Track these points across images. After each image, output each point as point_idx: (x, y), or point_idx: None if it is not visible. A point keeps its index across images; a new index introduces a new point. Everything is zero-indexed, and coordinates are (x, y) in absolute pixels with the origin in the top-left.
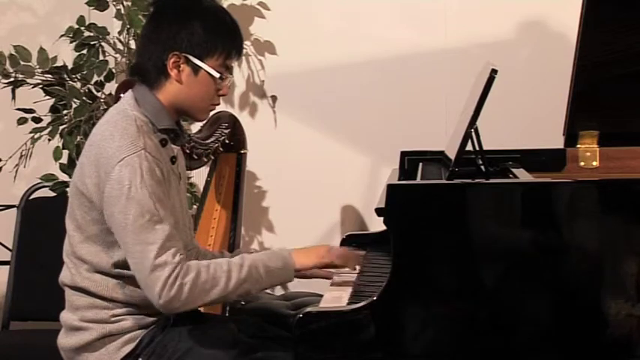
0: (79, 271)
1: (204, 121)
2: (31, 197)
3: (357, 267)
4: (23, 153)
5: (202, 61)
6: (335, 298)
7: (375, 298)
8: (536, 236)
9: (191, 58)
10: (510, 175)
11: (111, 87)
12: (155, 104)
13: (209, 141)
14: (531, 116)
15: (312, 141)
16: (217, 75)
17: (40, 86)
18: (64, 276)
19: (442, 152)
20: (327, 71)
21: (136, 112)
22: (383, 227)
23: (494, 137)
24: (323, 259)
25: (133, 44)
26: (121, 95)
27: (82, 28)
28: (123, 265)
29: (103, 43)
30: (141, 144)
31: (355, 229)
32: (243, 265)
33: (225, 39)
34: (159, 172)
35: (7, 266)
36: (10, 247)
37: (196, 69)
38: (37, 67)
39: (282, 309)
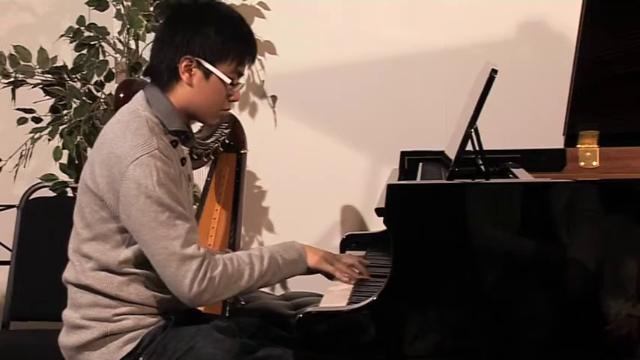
0: (83, 268)
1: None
2: (31, 197)
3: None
4: (23, 153)
5: (214, 66)
6: (335, 298)
7: (375, 298)
8: (536, 236)
9: (203, 62)
10: (510, 175)
11: (111, 87)
12: (167, 106)
13: (209, 141)
14: (531, 116)
15: (312, 141)
16: (228, 81)
17: (40, 86)
18: (69, 273)
19: (442, 152)
20: (327, 71)
21: (148, 112)
22: (383, 227)
23: (495, 137)
24: (328, 268)
25: (133, 44)
26: (121, 95)
27: (82, 28)
28: (130, 263)
29: (103, 43)
30: (154, 144)
31: (355, 229)
32: (263, 257)
33: (239, 45)
34: (172, 171)
35: (7, 266)
36: (10, 247)
37: (208, 73)
38: (37, 67)
39: (282, 309)
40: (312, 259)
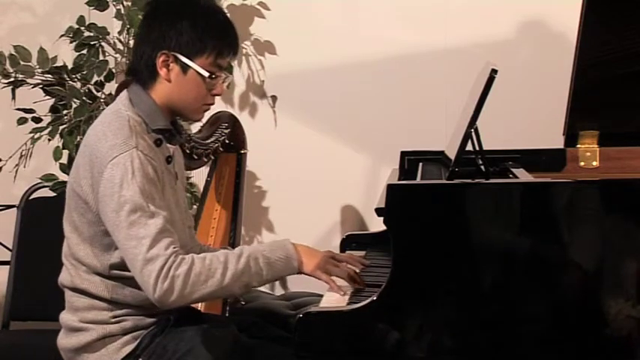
0: (78, 272)
1: (205, 121)
2: (31, 197)
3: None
4: (23, 153)
5: (191, 60)
6: (335, 298)
7: (375, 298)
8: (535, 236)
9: (180, 57)
10: (510, 175)
11: (111, 87)
12: (149, 104)
13: (209, 141)
14: (531, 116)
15: (312, 141)
16: (206, 74)
17: (40, 86)
18: (64, 277)
19: (442, 152)
20: (327, 71)
21: (130, 112)
22: (383, 227)
23: (495, 137)
24: (322, 277)
25: (132, 44)
26: None
27: (82, 28)
28: (120, 266)
29: (103, 43)
30: (133, 143)
31: (355, 229)
32: (241, 257)
33: (216, 38)
34: (152, 171)
35: (7, 266)
36: (10, 247)
37: (185, 68)
38: (37, 67)
39: (282, 309)
40: (307, 265)
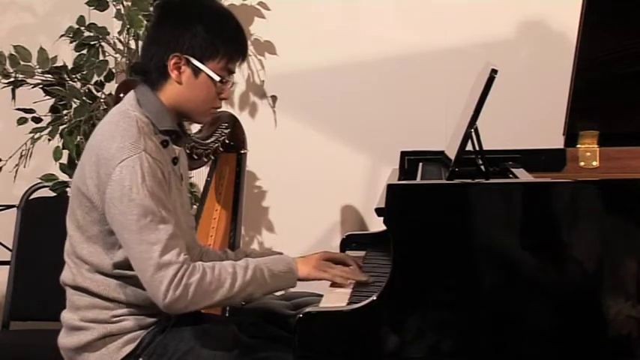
0: (80, 271)
1: None
2: (31, 197)
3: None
4: (23, 153)
5: (203, 63)
6: (335, 298)
7: (375, 298)
8: (535, 236)
9: (192, 60)
10: (510, 175)
11: (111, 87)
12: (157, 105)
13: (209, 141)
14: (531, 116)
15: (312, 141)
16: (218, 78)
17: (40, 86)
18: (65, 276)
19: (442, 152)
20: (327, 71)
21: (138, 112)
22: (383, 227)
23: (495, 137)
24: (323, 274)
25: (133, 44)
26: (121, 95)
27: (82, 28)
28: (123, 265)
29: (103, 43)
30: (141, 145)
31: (355, 229)
32: (247, 268)
33: (228, 42)
34: (159, 173)
35: (7, 266)
36: (10, 247)
37: (197, 71)
38: (37, 67)
39: (282, 309)
40: (302, 271)
